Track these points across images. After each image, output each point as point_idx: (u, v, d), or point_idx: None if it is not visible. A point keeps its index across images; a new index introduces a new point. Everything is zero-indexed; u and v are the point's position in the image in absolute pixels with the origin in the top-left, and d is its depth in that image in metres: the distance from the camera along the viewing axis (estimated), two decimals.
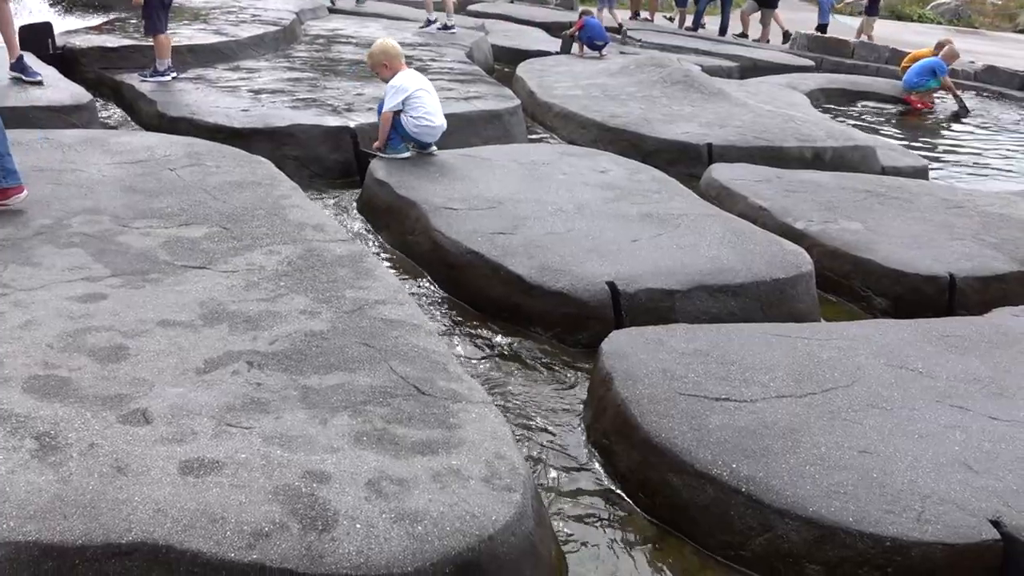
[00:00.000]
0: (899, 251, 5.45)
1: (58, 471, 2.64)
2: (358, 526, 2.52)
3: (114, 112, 8.17)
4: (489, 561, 2.54)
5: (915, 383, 3.71)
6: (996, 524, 2.87)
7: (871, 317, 5.12)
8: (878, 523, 2.84)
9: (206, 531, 2.46)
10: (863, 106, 12.81)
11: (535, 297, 4.58)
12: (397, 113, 6.29)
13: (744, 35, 18.53)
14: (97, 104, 7.69)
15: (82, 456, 2.72)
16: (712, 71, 12.99)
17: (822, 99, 12.61)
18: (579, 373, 4.22)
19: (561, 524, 3.17)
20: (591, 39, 12.72)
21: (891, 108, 12.81)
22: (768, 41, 18.13)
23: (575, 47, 12.94)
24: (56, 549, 2.39)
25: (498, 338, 4.48)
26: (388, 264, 5.19)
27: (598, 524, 3.21)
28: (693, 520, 3.11)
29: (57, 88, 7.44)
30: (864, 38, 18.19)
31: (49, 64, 8.26)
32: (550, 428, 3.76)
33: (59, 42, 8.89)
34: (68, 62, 8.70)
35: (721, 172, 6.94)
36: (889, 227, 5.87)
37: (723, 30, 18.33)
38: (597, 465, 3.52)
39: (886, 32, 20.47)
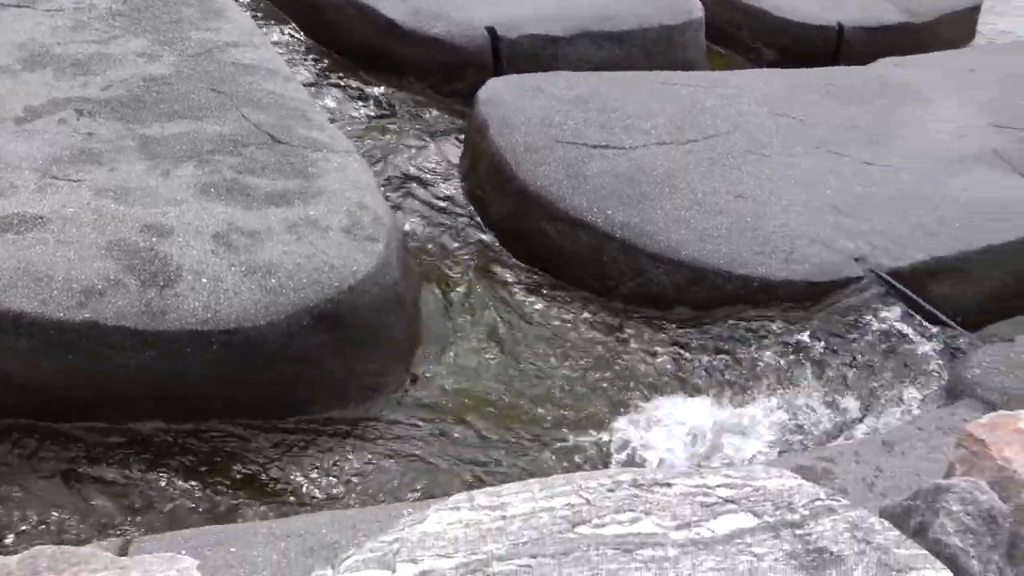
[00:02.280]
0: (791, 0, 5.23)
1: None
2: (204, 280, 2.33)
3: None
4: (349, 312, 2.42)
5: (795, 130, 3.64)
6: (860, 260, 2.90)
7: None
8: (747, 264, 2.83)
9: (29, 290, 2.22)
10: None
11: (409, 44, 4.21)
12: None
13: None
14: None
15: None
16: None
17: None
18: (456, 124, 3.98)
19: (431, 272, 3.06)
20: None
21: None
22: None
23: None
24: None
25: (369, 88, 4.14)
26: (244, 7, 4.66)
27: (470, 272, 3.11)
28: (567, 267, 3.04)
29: None
30: None
31: None
32: (423, 179, 3.56)
33: None
34: None
35: None
36: None
37: None
38: (472, 216, 3.38)
39: None
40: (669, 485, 1.44)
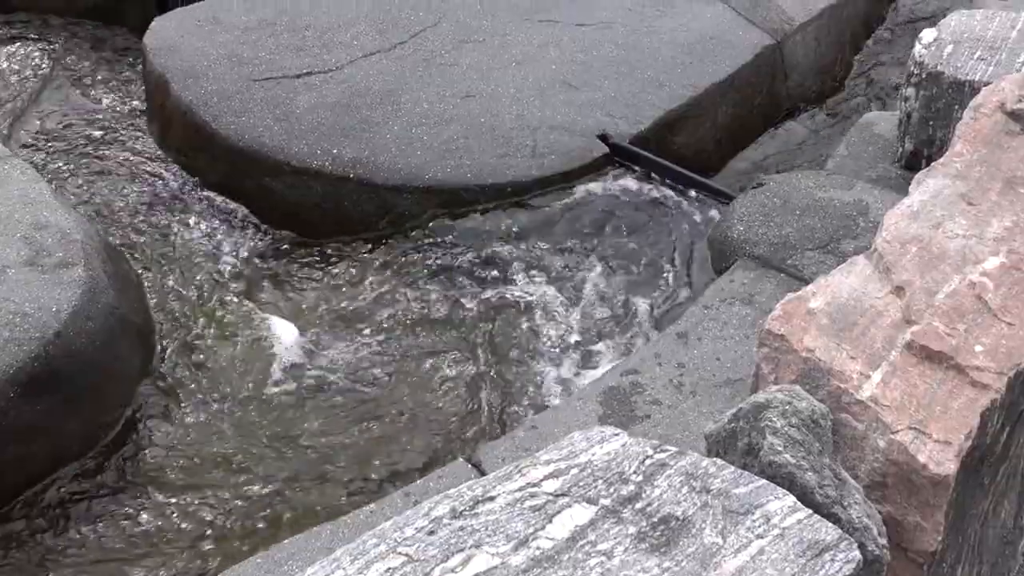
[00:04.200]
0: None
1: None
2: None
3: None
4: (65, 362, 2.01)
5: (501, 4, 3.42)
6: (603, 137, 2.81)
7: None
8: (495, 171, 2.66)
9: None
10: None
11: None
12: None
13: None
14: None
15: None
16: None
17: None
18: (131, 75, 3.43)
19: (159, 266, 2.64)
20: None
21: None
22: None
23: None
24: None
25: (2, 58, 3.44)
26: None
27: (204, 257, 2.72)
28: (307, 222, 2.73)
29: None
30: None
31: None
32: (113, 159, 3.04)
33: None
34: None
35: None
36: None
37: None
38: (185, 187, 2.93)
39: None
40: (492, 499, 1.27)
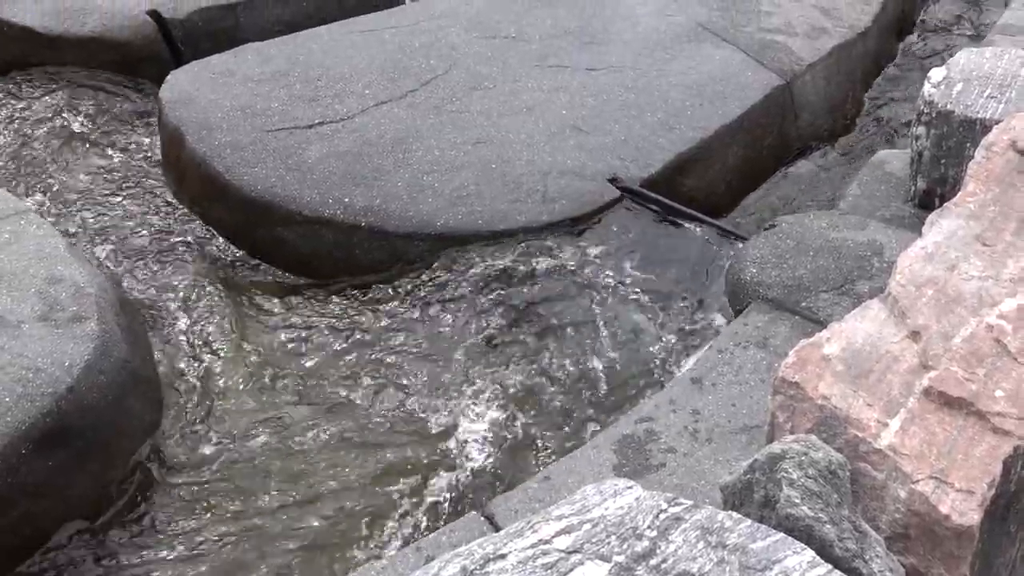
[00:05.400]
0: None
1: None
2: None
3: None
4: (76, 418, 2.00)
5: (512, 51, 3.46)
6: (613, 180, 2.81)
7: None
8: (506, 218, 2.66)
9: None
10: None
11: (60, 49, 3.62)
12: None
13: None
14: None
15: None
16: None
17: None
18: (148, 127, 3.47)
19: (173, 322, 2.64)
20: None
21: None
22: None
23: None
24: None
25: (23, 111, 3.49)
26: None
27: (218, 301, 2.71)
28: (319, 270, 2.74)
29: None
30: None
31: None
32: (129, 210, 3.06)
33: None
34: None
35: None
36: None
37: None
38: (200, 237, 2.95)
39: None
40: (503, 556, 1.25)
